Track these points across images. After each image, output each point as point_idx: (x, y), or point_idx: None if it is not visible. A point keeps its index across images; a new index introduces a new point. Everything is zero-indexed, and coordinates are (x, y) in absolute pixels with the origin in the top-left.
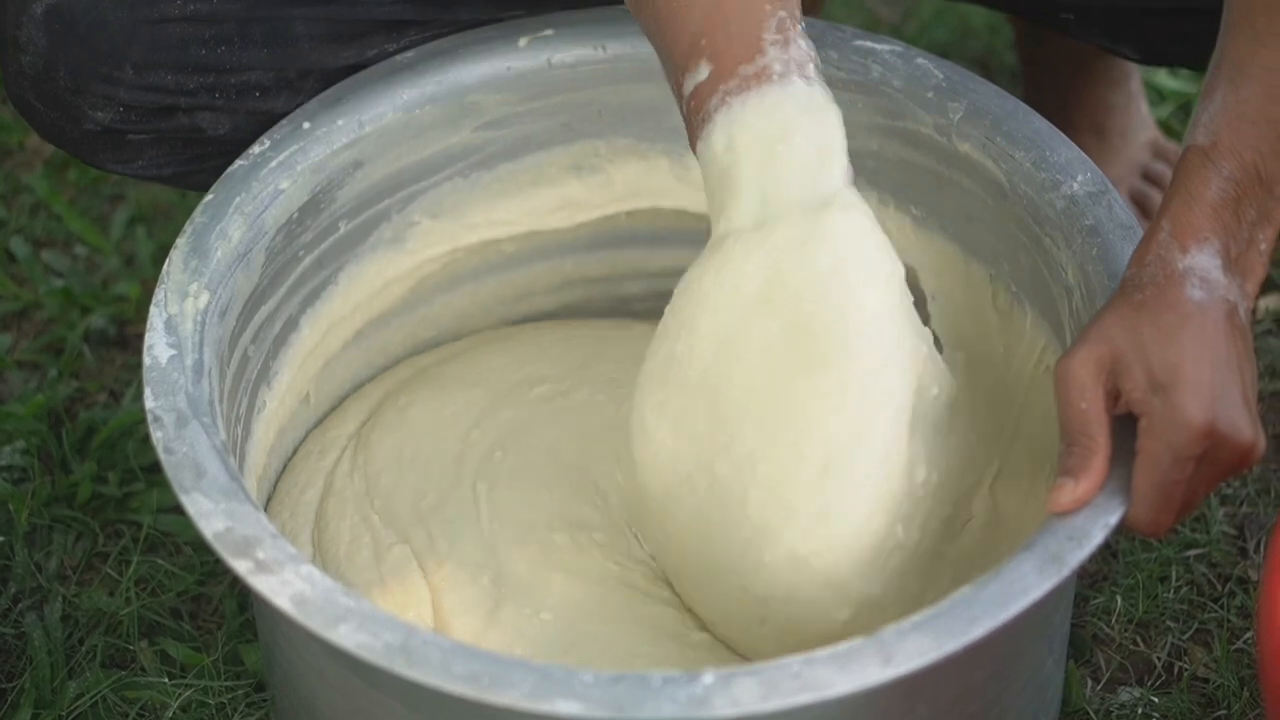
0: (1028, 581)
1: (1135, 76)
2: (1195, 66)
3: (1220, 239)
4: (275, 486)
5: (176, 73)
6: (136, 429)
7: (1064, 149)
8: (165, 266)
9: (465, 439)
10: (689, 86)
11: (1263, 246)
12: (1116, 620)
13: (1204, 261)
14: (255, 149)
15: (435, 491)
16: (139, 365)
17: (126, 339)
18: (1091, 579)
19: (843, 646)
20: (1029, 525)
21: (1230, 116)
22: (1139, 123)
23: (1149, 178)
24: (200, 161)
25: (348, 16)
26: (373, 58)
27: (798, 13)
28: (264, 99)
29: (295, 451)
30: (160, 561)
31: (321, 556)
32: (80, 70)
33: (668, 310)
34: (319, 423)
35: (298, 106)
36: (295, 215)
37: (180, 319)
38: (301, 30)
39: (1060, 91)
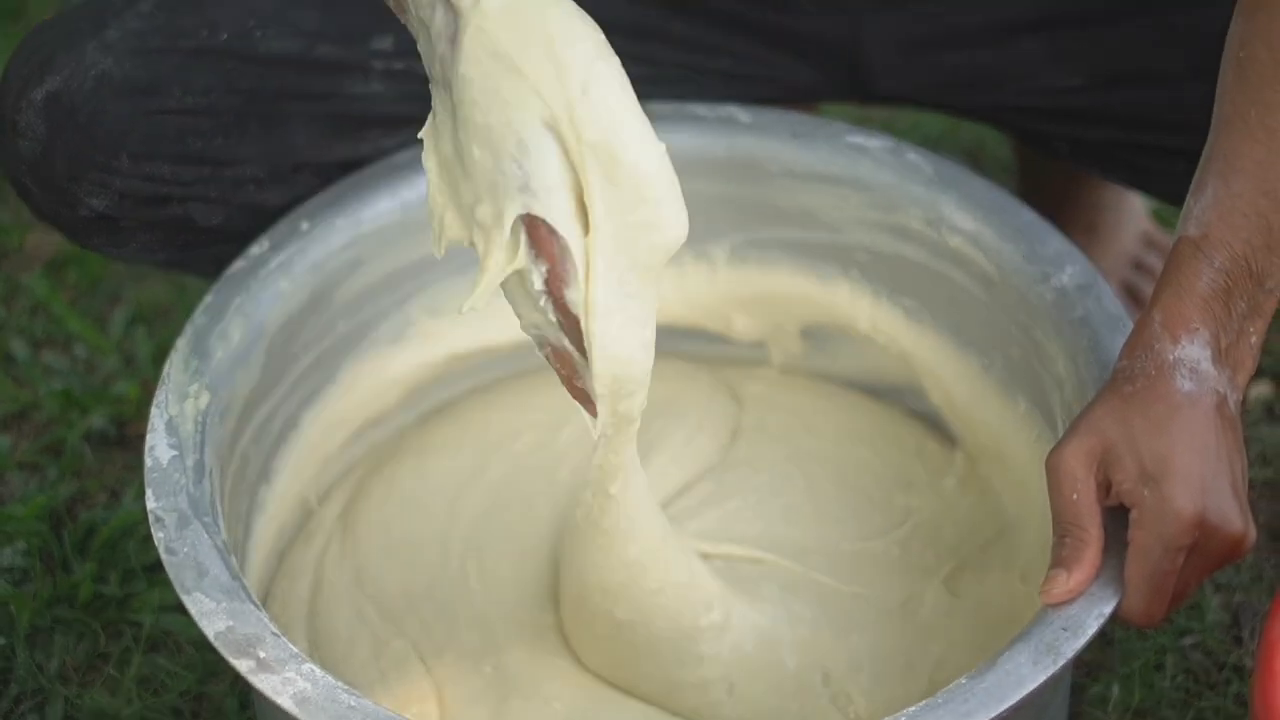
0: (1023, 673)
1: None
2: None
3: (1210, 330)
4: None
5: (173, 163)
6: (137, 528)
7: (1053, 241)
8: (165, 368)
9: (451, 508)
10: None
11: (1253, 339)
12: (1113, 709)
13: (1194, 353)
14: (255, 250)
15: (425, 574)
16: (139, 465)
17: (126, 439)
18: (1087, 668)
19: None
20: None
21: (1221, 209)
22: (1130, 217)
23: (1140, 268)
24: (192, 249)
25: (344, 111)
26: (367, 152)
27: None
28: (258, 192)
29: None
30: (162, 661)
31: (319, 654)
32: (77, 158)
33: None
34: (314, 512)
35: (290, 200)
36: (295, 315)
37: (181, 420)
38: (298, 124)
39: (1053, 191)
